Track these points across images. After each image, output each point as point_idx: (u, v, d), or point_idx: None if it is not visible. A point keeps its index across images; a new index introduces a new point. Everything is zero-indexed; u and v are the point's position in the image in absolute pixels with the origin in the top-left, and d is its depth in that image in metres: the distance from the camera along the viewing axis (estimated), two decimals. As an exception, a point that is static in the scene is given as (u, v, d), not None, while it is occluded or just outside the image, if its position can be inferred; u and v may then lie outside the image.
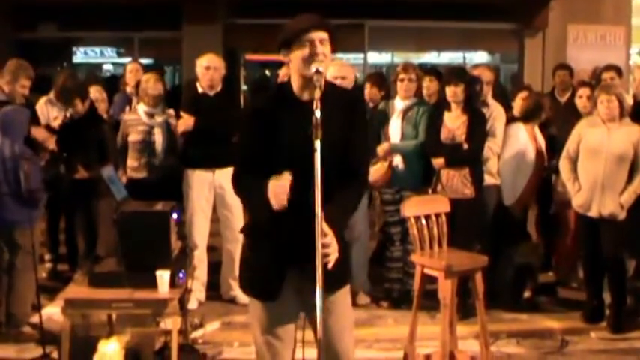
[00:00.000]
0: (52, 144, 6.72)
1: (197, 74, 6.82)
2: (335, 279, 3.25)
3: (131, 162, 6.84)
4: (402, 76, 6.66)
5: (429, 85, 7.39)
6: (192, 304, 6.51)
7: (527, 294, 6.92)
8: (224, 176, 6.70)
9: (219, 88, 6.80)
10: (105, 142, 6.96)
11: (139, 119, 6.86)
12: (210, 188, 6.75)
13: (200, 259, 6.75)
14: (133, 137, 6.81)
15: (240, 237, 6.89)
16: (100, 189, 6.79)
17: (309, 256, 2.92)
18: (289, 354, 3.46)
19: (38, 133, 6.12)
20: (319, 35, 3.20)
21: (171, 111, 6.86)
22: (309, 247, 2.92)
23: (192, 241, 6.73)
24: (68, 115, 7.21)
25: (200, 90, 6.80)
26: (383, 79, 7.85)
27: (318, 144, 2.93)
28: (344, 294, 3.46)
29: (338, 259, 3.16)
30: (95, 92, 7.14)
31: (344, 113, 3.28)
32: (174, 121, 6.85)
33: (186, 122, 6.63)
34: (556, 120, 7.20)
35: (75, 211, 7.38)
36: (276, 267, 3.31)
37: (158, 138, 6.78)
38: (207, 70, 6.71)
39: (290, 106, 3.22)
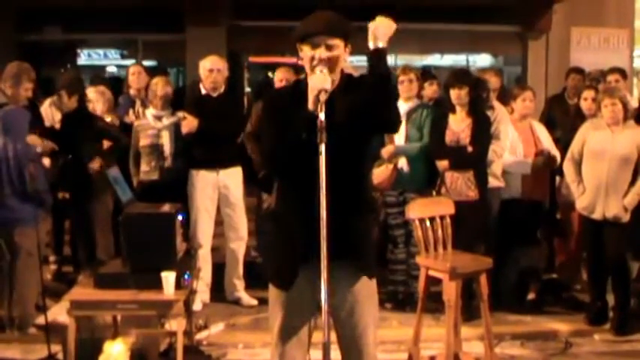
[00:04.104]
0: (49, 145, 6.73)
1: (200, 76, 6.84)
2: (356, 266, 3.32)
3: (143, 166, 6.86)
4: (401, 78, 6.70)
5: (429, 88, 7.48)
6: (196, 306, 6.52)
7: (531, 296, 6.93)
8: (228, 176, 6.76)
9: (222, 89, 6.83)
10: (100, 139, 6.95)
11: (147, 123, 6.89)
12: (214, 188, 6.77)
13: (205, 259, 6.76)
14: (143, 141, 6.84)
15: (245, 237, 6.98)
16: (95, 192, 6.79)
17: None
18: (303, 349, 3.45)
19: (31, 139, 6.12)
20: (326, 41, 3.22)
21: (181, 114, 6.88)
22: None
23: (196, 242, 6.74)
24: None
25: (203, 92, 6.82)
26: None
27: (322, 148, 2.93)
28: (368, 286, 3.44)
29: (360, 244, 3.26)
30: (93, 92, 7.12)
31: (361, 93, 3.28)
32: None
33: (189, 124, 6.64)
34: (563, 122, 7.18)
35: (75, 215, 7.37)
36: (290, 259, 3.32)
37: (166, 141, 6.80)
38: (211, 72, 6.74)
39: (302, 103, 3.17)
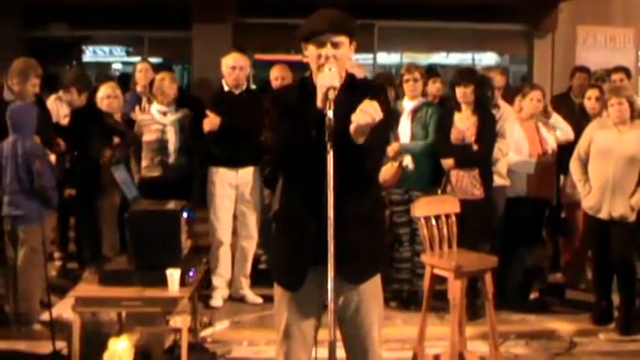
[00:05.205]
0: (60, 143, 6.74)
1: (222, 73, 6.83)
2: (363, 268, 3.33)
3: (145, 161, 6.87)
4: (406, 77, 6.71)
5: (432, 85, 7.49)
6: (217, 302, 6.61)
7: (534, 295, 6.92)
8: (247, 175, 6.76)
9: (244, 87, 6.84)
10: (109, 136, 6.94)
11: (152, 119, 6.89)
12: (232, 186, 6.78)
13: (224, 256, 6.78)
14: (147, 137, 6.83)
15: (255, 235, 6.98)
16: (102, 188, 6.78)
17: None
18: (308, 349, 3.45)
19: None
20: (332, 38, 3.21)
21: (187, 110, 6.88)
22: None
23: (216, 239, 6.75)
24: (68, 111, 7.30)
25: (226, 89, 6.82)
26: (391, 79, 7.85)
27: (330, 146, 2.91)
28: (374, 285, 3.44)
29: (368, 247, 3.27)
30: (108, 89, 7.10)
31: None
32: (188, 120, 6.86)
33: (212, 121, 6.62)
34: (568, 121, 7.17)
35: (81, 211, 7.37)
36: (299, 260, 3.31)
37: (171, 137, 6.81)
38: (233, 69, 6.73)
39: (309, 101, 3.15)
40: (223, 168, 6.74)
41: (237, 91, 6.79)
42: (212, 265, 6.68)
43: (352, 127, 2.99)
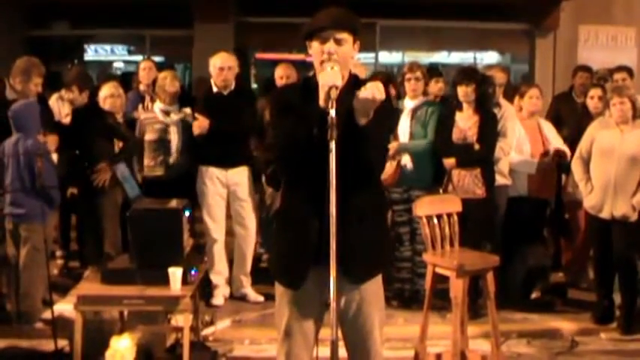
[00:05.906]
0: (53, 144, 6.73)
1: (210, 73, 6.82)
2: (365, 268, 3.33)
3: (147, 161, 6.87)
4: (408, 75, 6.70)
5: (434, 85, 7.49)
6: (218, 300, 6.59)
7: (535, 294, 6.92)
8: (237, 175, 6.75)
9: (232, 87, 6.81)
10: (110, 136, 6.93)
11: (155, 117, 6.89)
12: (223, 185, 6.77)
13: (220, 254, 6.78)
14: (149, 136, 6.84)
15: (253, 234, 6.98)
16: (103, 187, 6.77)
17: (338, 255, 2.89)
18: (309, 348, 3.45)
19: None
20: (335, 35, 3.21)
21: (188, 109, 6.87)
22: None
23: (210, 237, 6.76)
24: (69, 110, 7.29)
25: (214, 90, 6.80)
26: (391, 77, 7.85)
27: (333, 145, 2.91)
28: (375, 285, 3.44)
29: (370, 247, 3.27)
30: (111, 88, 7.09)
31: None
32: (191, 119, 6.85)
33: (201, 125, 6.60)
34: (570, 121, 7.16)
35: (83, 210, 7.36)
36: (301, 259, 3.31)
37: (173, 136, 6.81)
38: (221, 70, 6.71)
39: (312, 100, 3.14)
40: (212, 167, 6.73)
41: (225, 92, 6.77)
42: (209, 263, 6.67)
43: (355, 102, 3.05)
